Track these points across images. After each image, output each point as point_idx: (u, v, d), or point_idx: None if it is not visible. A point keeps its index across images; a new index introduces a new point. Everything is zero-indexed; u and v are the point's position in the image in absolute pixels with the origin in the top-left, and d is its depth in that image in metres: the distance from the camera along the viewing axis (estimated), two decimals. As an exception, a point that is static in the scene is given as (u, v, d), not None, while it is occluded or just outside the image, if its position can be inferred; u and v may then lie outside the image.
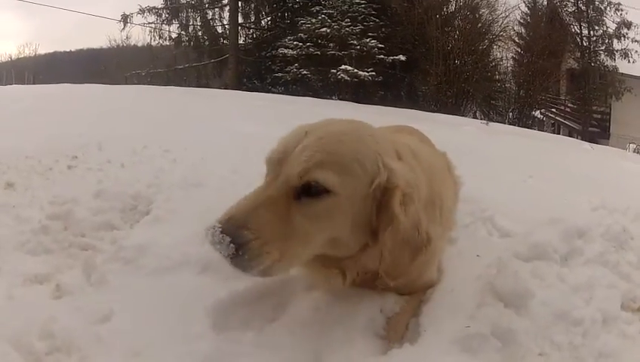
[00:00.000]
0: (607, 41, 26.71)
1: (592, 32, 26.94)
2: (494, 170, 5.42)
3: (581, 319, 1.97)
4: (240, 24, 29.57)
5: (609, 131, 26.66)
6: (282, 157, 1.81)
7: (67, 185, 3.51)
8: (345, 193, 1.75)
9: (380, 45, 24.48)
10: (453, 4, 28.35)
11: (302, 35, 25.18)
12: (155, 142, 4.99)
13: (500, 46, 29.29)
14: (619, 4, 26.25)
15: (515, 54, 30.12)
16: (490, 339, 1.81)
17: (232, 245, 1.63)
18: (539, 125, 29.00)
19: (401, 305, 2.05)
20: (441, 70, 25.44)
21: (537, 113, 29.05)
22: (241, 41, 29.80)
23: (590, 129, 26.67)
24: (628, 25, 25.96)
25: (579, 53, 27.45)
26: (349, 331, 1.90)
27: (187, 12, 29.76)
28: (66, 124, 6.24)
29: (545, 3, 30.25)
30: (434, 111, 21.97)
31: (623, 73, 25.64)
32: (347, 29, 24.30)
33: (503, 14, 28.44)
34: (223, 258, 1.68)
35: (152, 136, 5.30)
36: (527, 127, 24.98)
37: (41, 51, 47.54)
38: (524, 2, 30.26)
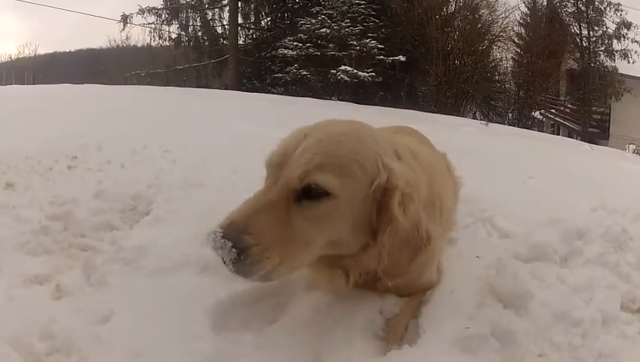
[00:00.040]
0: (606, 41, 26.72)
1: (591, 33, 26.95)
2: (494, 171, 5.42)
3: (581, 320, 1.97)
4: (240, 24, 29.58)
5: (608, 132, 26.66)
6: (282, 160, 1.81)
7: (67, 186, 3.51)
8: (345, 195, 1.76)
9: (379, 46, 24.49)
10: (453, 5, 28.41)
11: (302, 35, 25.19)
12: (154, 143, 4.99)
13: (499, 46, 29.35)
14: (619, 4, 26.28)
15: (515, 55, 30.16)
16: (490, 340, 1.81)
17: (233, 250, 1.64)
18: (538, 126, 29.00)
19: (401, 306, 2.05)
20: (440, 71, 25.46)
21: (537, 114, 29.06)
22: (240, 42, 29.82)
23: (590, 130, 26.67)
24: (628, 25, 25.97)
25: (578, 54, 27.47)
26: (349, 332, 1.90)
27: (187, 12, 29.78)
28: (65, 124, 6.24)
29: (545, 3, 30.30)
30: (434, 112, 22.00)
31: (622, 74, 25.65)
32: (347, 29, 24.31)
33: (503, 15, 28.51)
34: (224, 264, 1.69)
35: (152, 137, 5.30)
36: (527, 128, 25.00)
37: (41, 51, 47.51)
38: (524, 3, 30.34)
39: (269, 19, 30.70)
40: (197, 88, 23.42)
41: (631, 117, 24.81)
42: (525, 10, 30.56)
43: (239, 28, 29.52)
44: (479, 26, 27.86)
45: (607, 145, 21.65)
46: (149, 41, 30.61)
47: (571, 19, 27.64)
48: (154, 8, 28.93)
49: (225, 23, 29.88)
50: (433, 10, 26.30)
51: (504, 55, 29.97)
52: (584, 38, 27.08)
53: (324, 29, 24.41)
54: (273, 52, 26.82)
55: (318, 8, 25.69)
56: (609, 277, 2.40)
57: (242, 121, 8.15)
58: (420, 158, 2.17)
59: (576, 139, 23.36)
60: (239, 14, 29.49)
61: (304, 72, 25.10)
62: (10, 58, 44.52)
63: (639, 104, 24.58)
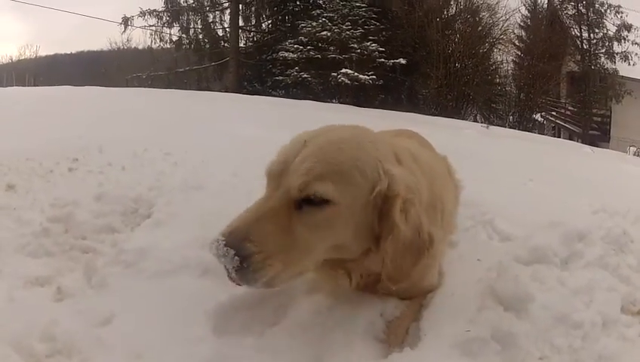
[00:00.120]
0: (607, 43, 26.67)
1: (592, 35, 26.91)
2: (495, 174, 5.42)
3: (581, 322, 1.98)
4: (241, 27, 29.58)
5: (609, 134, 26.63)
6: (282, 169, 1.82)
7: (68, 188, 3.52)
8: (345, 202, 1.77)
9: (380, 49, 24.46)
10: (454, 8, 28.37)
11: (302, 38, 25.16)
12: (155, 145, 4.99)
13: (500, 49, 29.30)
14: (619, 6, 26.24)
15: (516, 57, 30.11)
16: (491, 343, 1.81)
17: (236, 258, 1.65)
18: (539, 128, 28.97)
19: (402, 309, 2.05)
20: (441, 73, 25.43)
21: (538, 116, 29.03)
22: (241, 44, 29.81)
23: (590, 132, 26.64)
24: (628, 27, 25.93)
25: (579, 56, 27.43)
26: (350, 335, 1.91)
27: (188, 15, 29.76)
28: (66, 126, 6.25)
29: (545, 6, 30.29)
30: (434, 115, 21.95)
31: (623, 76, 25.61)
32: (348, 32, 24.28)
33: (504, 17, 28.45)
34: (227, 271, 1.70)
35: (153, 139, 5.31)
36: (528, 131, 24.96)
37: (42, 53, 47.46)
38: (525, 5, 30.28)
39: (269, 22, 30.71)
40: (198, 91, 23.39)
41: (631, 119, 24.79)
42: (526, 12, 30.56)
43: (240, 31, 29.52)
44: (480, 28, 27.83)
45: (607, 148, 21.59)
46: (149, 44, 30.59)
47: (572, 21, 27.61)
48: (155, 11, 28.92)
49: (226, 25, 29.86)
50: (434, 13, 26.28)
51: (505, 58, 29.96)
52: (585, 41, 27.05)
53: (324, 32, 24.39)
54: (274, 55, 26.79)
55: (318, 11, 25.68)
56: (609, 279, 2.40)
57: (243, 123, 8.15)
58: (420, 162, 2.17)
59: (577, 141, 23.29)
60: (240, 17, 29.49)
61: (305, 75, 25.08)
62: (11, 59, 44.53)
63: (640, 106, 24.59)
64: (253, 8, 30.30)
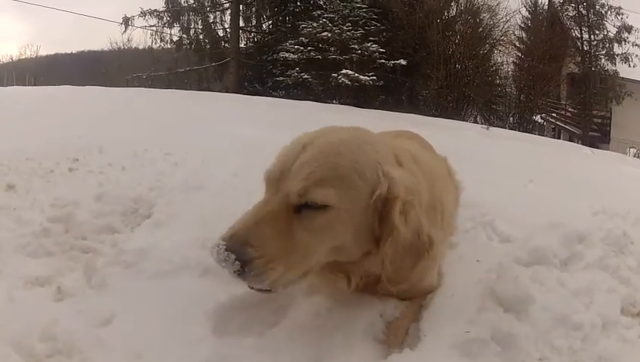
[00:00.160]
0: (607, 45, 26.68)
1: (592, 37, 26.92)
2: (495, 175, 5.42)
3: (581, 323, 1.98)
4: (241, 28, 29.61)
5: (609, 136, 26.64)
6: (281, 172, 1.82)
7: (68, 188, 3.52)
8: (345, 206, 1.77)
9: (381, 49, 24.48)
10: (454, 9, 28.37)
11: (303, 39, 25.18)
12: (156, 145, 5.00)
13: (500, 50, 29.31)
14: (619, 8, 26.25)
15: (516, 59, 30.13)
16: (491, 344, 1.81)
17: (237, 263, 1.66)
18: (539, 130, 28.97)
19: (401, 309, 2.05)
20: (442, 74, 25.43)
21: (538, 118, 29.04)
22: (242, 45, 29.85)
23: (591, 133, 26.64)
24: (628, 29, 25.94)
25: (579, 58, 27.43)
26: (349, 336, 1.91)
27: (188, 15, 29.79)
28: (66, 126, 6.25)
29: (546, 7, 30.30)
30: (435, 116, 21.95)
31: (623, 77, 25.62)
32: (348, 33, 24.30)
33: (504, 19, 28.46)
34: (229, 274, 1.71)
35: (153, 139, 5.31)
36: (528, 132, 24.95)
37: (42, 53, 47.56)
38: (525, 7, 30.32)
39: (270, 22, 30.75)
40: (198, 91, 23.40)
41: (632, 120, 24.81)
42: (526, 14, 30.60)
43: (240, 31, 29.55)
44: (480, 29, 27.83)
45: (607, 149, 21.61)
46: (150, 44, 30.61)
47: (572, 23, 27.61)
48: (155, 11, 28.94)
49: (226, 26, 29.88)
50: (434, 14, 26.28)
51: (505, 59, 29.97)
52: (585, 42, 27.05)
53: (325, 33, 24.41)
54: (274, 55, 26.80)
55: (319, 12, 25.72)
56: (609, 280, 2.40)
57: (243, 124, 8.15)
58: (420, 163, 2.17)
59: (577, 143, 23.31)
60: (240, 17, 29.52)
61: (305, 76, 25.09)
62: (12, 59, 44.64)
63: (640, 108, 24.60)
64: (253, 9, 30.35)
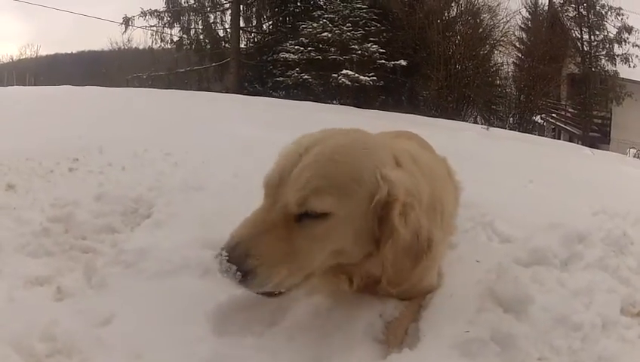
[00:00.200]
0: (607, 45, 26.69)
1: (592, 37, 26.92)
2: (495, 175, 5.42)
3: (581, 323, 1.98)
4: (241, 28, 29.62)
5: (609, 136, 26.65)
6: (279, 180, 1.82)
7: (68, 188, 3.52)
8: (344, 213, 1.78)
9: (381, 50, 24.50)
10: (455, 9, 28.38)
11: (303, 39, 25.20)
12: (156, 146, 4.99)
13: (500, 51, 29.32)
14: (620, 8, 26.26)
15: (516, 59, 30.13)
16: (490, 344, 1.81)
17: (239, 273, 1.70)
18: (539, 130, 28.98)
19: (401, 309, 2.05)
20: (442, 75, 25.44)
21: (538, 118, 29.04)
22: (242, 45, 29.88)
23: (591, 134, 26.64)
24: (629, 29, 25.95)
25: (580, 58, 27.45)
26: (349, 336, 1.91)
27: (189, 15, 29.80)
28: (66, 126, 6.25)
29: (546, 8, 30.30)
30: (435, 116, 21.95)
31: (623, 78, 25.63)
32: (348, 33, 24.32)
33: (504, 19, 28.49)
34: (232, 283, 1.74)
35: (153, 140, 5.31)
36: (528, 132, 24.94)
37: (43, 53, 47.58)
38: (525, 7, 30.33)
39: (270, 22, 30.76)
40: (198, 91, 23.41)
41: (632, 121, 24.82)
42: (526, 14, 30.59)
43: (241, 31, 29.57)
44: (480, 30, 27.84)
45: (608, 150, 21.61)
46: (150, 44, 30.63)
47: (572, 23, 27.62)
48: (156, 11, 28.97)
49: (227, 26, 29.90)
50: (434, 15, 26.30)
51: (505, 59, 29.98)
52: (585, 43, 27.05)
53: (325, 33, 24.43)
54: (274, 56, 26.82)
55: (319, 12, 25.73)
56: (609, 281, 2.40)
57: (243, 124, 8.15)
58: (420, 163, 2.17)
59: (577, 143, 23.34)
60: (241, 18, 29.54)
61: (305, 76, 25.11)
62: (12, 59, 44.68)
63: (640, 108, 24.61)
64: (254, 9, 30.37)
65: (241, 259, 1.70)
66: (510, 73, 30.42)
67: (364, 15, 25.01)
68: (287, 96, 24.48)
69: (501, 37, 28.68)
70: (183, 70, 29.73)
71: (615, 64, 26.22)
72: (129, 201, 3.17)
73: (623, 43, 26.21)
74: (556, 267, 2.42)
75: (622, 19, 26.25)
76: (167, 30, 29.75)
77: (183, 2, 29.56)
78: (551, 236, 2.58)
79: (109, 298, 2.13)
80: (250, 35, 30.97)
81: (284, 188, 1.79)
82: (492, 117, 27.91)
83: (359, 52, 24.31)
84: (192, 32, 30.12)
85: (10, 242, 2.56)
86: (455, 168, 2.94)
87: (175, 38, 30.02)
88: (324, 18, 24.96)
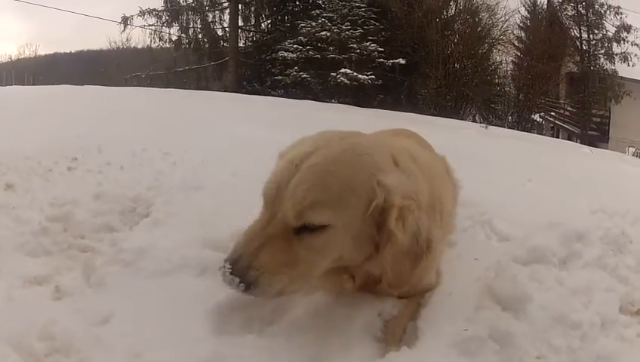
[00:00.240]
0: (606, 44, 26.66)
1: (591, 36, 26.90)
2: (493, 174, 5.43)
3: (579, 322, 1.98)
4: (240, 27, 29.57)
5: (608, 135, 26.65)
6: (277, 190, 1.84)
7: (67, 187, 3.51)
8: (342, 223, 1.80)
9: (379, 49, 24.46)
10: (453, 8, 28.34)
11: (302, 38, 25.16)
12: (154, 145, 4.99)
13: (499, 50, 29.26)
14: (618, 7, 26.23)
15: (515, 58, 30.09)
16: (488, 342, 1.81)
17: (242, 284, 1.75)
18: (538, 129, 28.95)
19: (399, 308, 2.06)
20: (440, 74, 25.42)
21: (537, 117, 29.02)
22: (241, 44, 29.80)
23: (589, 132, 26.64)
24: (627, 28, 25.92)
25: (578, 57, 27.42)
26: (348, 334, 1.91)
27: (187, 14, 29.75)
28: (65, 125, 6.23)
29: (545, 7, 30.29)
30: (433, 115, 21.96)
31: (622, 77, 25.62)
32: (347, 32, 24.28)
33: (503, 18, 28.42)
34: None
35: (152, 139, 5.31)
36: (527, 131, 24.94)
37: (41, 52, 47.37)
38: (524, 6, 30.28)
39: (269, 21, 30.71)
40: (197, 90, 23.38)
41: (631, 120, 24.81)
42: (525, 13, 30.54)
43: (239, 30, 29.51)
44: (479, 29, 27.81)
45: (606, 148, 21.62)
46: (149, 43, 30.54)
47: (571, 22, 27.60)
48: (154, 10, 28.90)
49: (225, 25, 29.86)
50: (433, 14, 26.27)
51: (504, 58, 29.93)
52: (584, 42, 27.03)
53: (324, 32, 24.39)
54: (273, 55, 26.78)
55: (318, 11, 25.69)
56: (608, 279, 2.41)
57: (242, 123, 8.15)
58: (419, 162, 2.17)
59: (576, 142, 23.32)
60: (239, 17, 29.47)
61: (304, 75, 25.07)
62: (11, 59, 44.43)
63: (639, 107, 24.58)
64: (252, 8, 30.30)
65: (244, 271, 1.75)
66: (509, 72, 30.41)
67: (363, 14, 24.98)
68: (286, 95, 24.44)
69: (500, 36, 28.66)
70: (181, 69, 29.67)
71: (614, 63, 26.21)
72: (128, 200, 3.17)
73: (622, 42, 26.18)
74: (555, 265, 2.42)
75: (621, 17, 26.23)
76: (165, 29, 29.70)
77: (181, 1, 29.51)
78: (549, 234, 2.58)
79: (107, 297, 2.13)
80: (249, 34, 30.92)
81: (281, 200, 1.81)
82: (491, 115, 27.91)
83: (358, 51, 24.27)
84: (191, 31, 30.08)
85: (9, 241, 2.56)
86: (454, 166, 2.94)
87: (174, 37, 30.00)
88: (322, 17, 24.91)
